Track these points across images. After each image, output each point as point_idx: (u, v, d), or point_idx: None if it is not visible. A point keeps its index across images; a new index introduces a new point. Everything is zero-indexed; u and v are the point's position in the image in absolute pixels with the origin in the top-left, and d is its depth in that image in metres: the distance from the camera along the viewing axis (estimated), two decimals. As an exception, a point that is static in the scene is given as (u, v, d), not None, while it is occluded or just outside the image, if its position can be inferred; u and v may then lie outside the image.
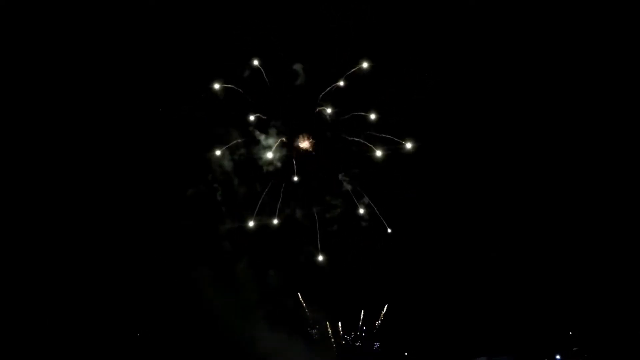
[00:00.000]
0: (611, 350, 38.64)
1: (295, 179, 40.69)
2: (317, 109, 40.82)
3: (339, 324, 43.09)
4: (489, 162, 41.39)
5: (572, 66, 40.01)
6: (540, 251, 40.49)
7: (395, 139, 39.64)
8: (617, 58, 39.21)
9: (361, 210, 40.91)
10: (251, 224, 40.68)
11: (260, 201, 40.79)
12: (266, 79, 40.83)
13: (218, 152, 41.28)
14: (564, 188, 40.95)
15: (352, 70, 40.14)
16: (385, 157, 40.00)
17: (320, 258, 40.03)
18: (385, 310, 42.56)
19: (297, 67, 40.55)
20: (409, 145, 39.42)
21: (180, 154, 42.27)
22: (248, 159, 41.55)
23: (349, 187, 41.26)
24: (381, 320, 42.61)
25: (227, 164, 41.95)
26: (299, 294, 42.64)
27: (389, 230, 40.29)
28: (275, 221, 40.76)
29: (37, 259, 42.05)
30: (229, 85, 41.00)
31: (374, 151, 39.95)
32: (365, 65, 39.99)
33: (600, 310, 39.26)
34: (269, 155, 40.93)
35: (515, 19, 40.07)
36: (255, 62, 40.59)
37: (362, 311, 42.72)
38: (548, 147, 40.80)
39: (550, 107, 40.73)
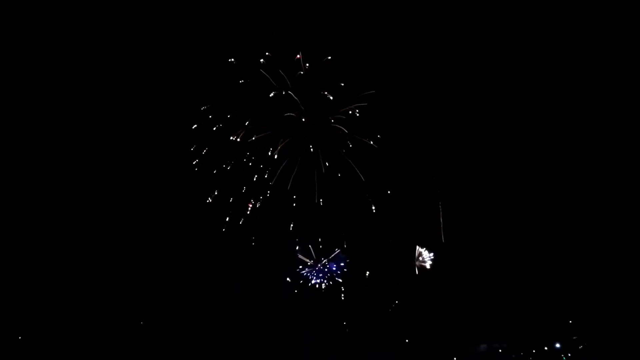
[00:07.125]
0: (610, 339, 39.46)
1: None
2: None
3: None
4: (487, 161, 42.06)
5: (571, 66, 40.63)
6: (541, 242, 41.25)
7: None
8: (617, 58, 39.76)
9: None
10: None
11: None
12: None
13: None
14: (559, 181, 41.78)
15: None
16: None
17: None
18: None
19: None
20: None
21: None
22: None
23: None
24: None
25: None
26: None
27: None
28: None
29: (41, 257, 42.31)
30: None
31: None
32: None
33: (599, 300, 40.05)
34: None
35: (515, 20, 40.46)
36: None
37: None
38: (546, 147, 41.62)
39: (549, 108, 41.47)
